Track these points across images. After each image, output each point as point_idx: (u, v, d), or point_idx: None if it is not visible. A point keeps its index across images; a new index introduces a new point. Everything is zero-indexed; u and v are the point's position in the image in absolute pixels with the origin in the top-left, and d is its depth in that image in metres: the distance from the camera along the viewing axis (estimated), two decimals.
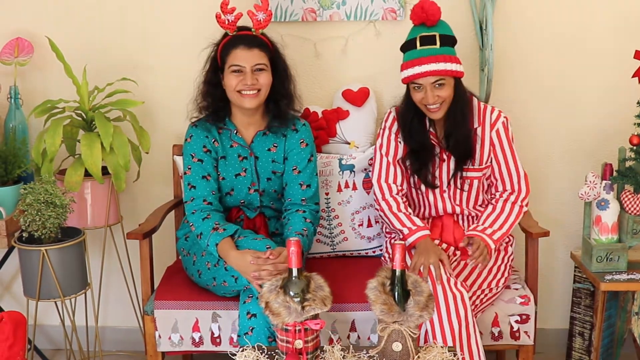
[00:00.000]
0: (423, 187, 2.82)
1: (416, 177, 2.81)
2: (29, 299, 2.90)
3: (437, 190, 2.82)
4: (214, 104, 2.78)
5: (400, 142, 2.81)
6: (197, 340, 2.72)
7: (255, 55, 2.69)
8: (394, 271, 2.13)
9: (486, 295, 2.70)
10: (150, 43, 3.21)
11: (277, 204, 2.86)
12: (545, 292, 3.28)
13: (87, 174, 2.93)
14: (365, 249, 3.09)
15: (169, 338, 2.73)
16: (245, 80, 2.67)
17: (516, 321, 2.73)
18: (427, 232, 2.72)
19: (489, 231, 2.71)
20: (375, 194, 2.84)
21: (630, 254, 2.86)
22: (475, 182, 2.80)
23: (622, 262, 2.81)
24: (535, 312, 2.74)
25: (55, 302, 3.02)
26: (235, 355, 2.22)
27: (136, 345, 3.37)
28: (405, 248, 2.18)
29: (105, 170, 2.99)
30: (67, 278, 2.84)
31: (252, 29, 2.74)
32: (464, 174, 2.78)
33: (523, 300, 2.74)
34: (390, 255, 2.89)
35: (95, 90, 3.05)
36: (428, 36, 2.64)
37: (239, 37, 2.71)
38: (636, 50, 2.82)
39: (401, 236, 2.77)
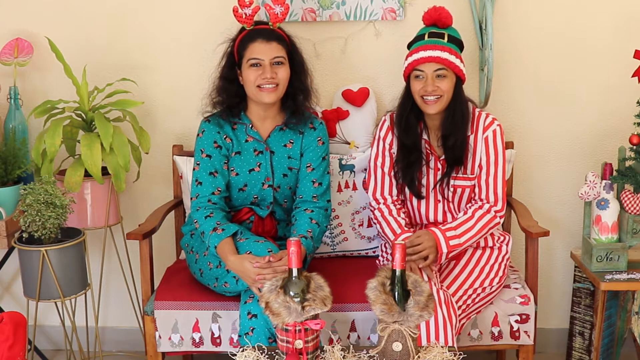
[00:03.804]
0: (414, 199, 2.80)
1: (402, 182, 2.78)
2: (29, 299, 2.90)
3: (431, 200, 2.79)
4: (229, 99, 2.76)
5: (394, 153, 2.80)
6: (197, 340, 2.72)
7: (274, 49, 2.67)
8: (394, 271, 2.13)
9: (479, 295, 2.68)
10: (150, 43, 3.21)
11: (290, 203, 2.84)
12: (545, 292, 3.28)
13: (87, 175, 2.92)
14: (365, 249, 3.09)
15: (169, 338, 2.73)
16: (265, 73, 2.65)
17: (516, 321, 2.73)
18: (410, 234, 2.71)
19: (450, 233, 2.66)
20: (370, 203, 2.86)
21: (630, 254, 2.86)
22: (467, 190, 2.75)
23: (622, 261, 2.81)
24: (535, 312, 2.74)
25: (56, 303, 3.02)
26: (236, 355, 2.22)
27: (136, 346, 3.37)
28: (405, 248, 2.18)
29: (105, 171, 2.98)
30: (67, 278, 2.84)
31: (270, 23, 2.73)
32: (453, 182, 2.75)
33: (523, 300, 2.74)
34: (383, 261, 2.90)
35: (95, 90, 3.05)
36: (437, 32, 2.67)
37: (256, 31, 2.70)
38: (636, 50, 2.82)
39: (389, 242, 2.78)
